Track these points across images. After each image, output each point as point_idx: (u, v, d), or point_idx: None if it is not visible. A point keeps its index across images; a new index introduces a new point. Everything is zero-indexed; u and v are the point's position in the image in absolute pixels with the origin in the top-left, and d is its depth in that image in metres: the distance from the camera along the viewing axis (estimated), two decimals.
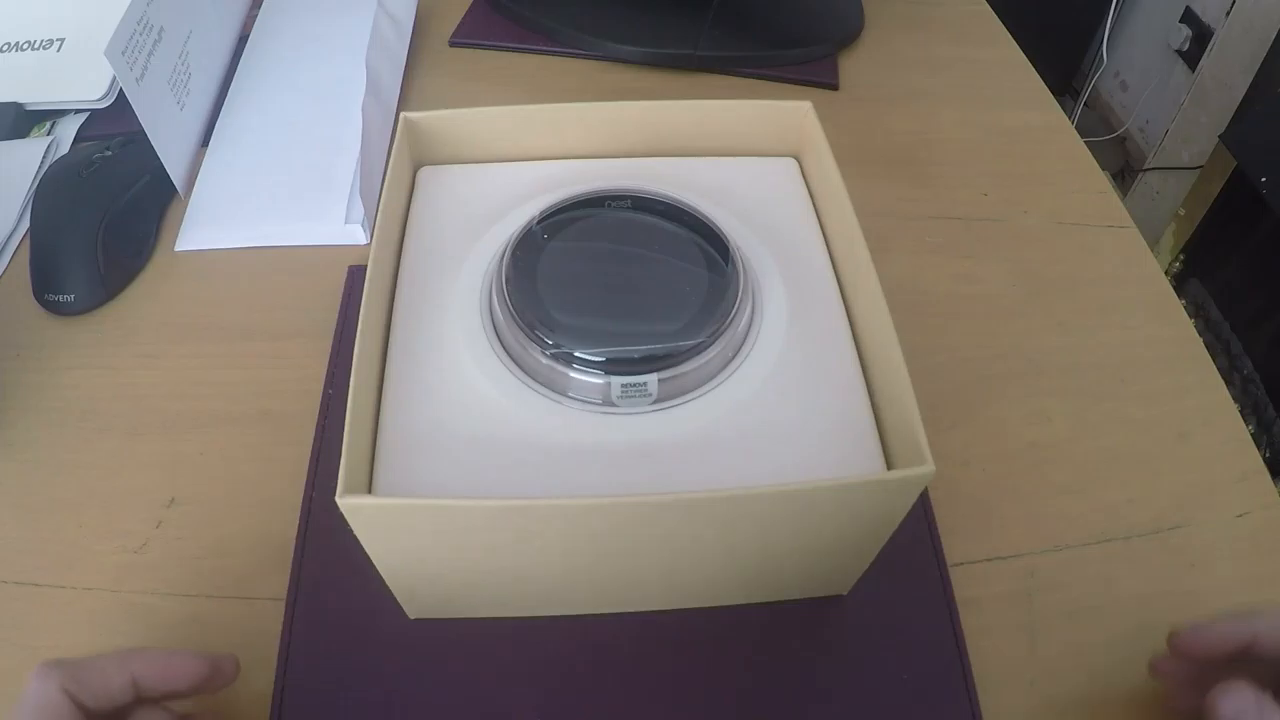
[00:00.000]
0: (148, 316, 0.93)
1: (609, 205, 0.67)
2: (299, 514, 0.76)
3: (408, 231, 0.72)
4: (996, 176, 1.06)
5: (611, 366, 0.59)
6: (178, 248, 0.99)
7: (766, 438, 0.61)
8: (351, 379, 0.56)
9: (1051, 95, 1.20)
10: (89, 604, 0.72)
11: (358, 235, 0.99)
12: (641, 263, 0.64)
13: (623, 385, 0.59)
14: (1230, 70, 2.78)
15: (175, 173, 1.01)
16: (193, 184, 1.04)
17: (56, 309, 0.92)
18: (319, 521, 0.75)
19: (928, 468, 0.53)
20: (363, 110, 1.03)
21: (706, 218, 0.66)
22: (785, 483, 0.52)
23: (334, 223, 0.99)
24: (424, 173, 0.76)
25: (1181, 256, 2.68)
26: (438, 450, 0.59)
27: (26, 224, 0.98)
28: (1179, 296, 0.92)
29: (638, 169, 0.72)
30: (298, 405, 0.84)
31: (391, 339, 0.65)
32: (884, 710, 0.67)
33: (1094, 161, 1.10)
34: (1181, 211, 2.80)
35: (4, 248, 0.98)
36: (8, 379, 0.87)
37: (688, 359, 0.60)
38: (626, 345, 0.59)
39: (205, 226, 1.00)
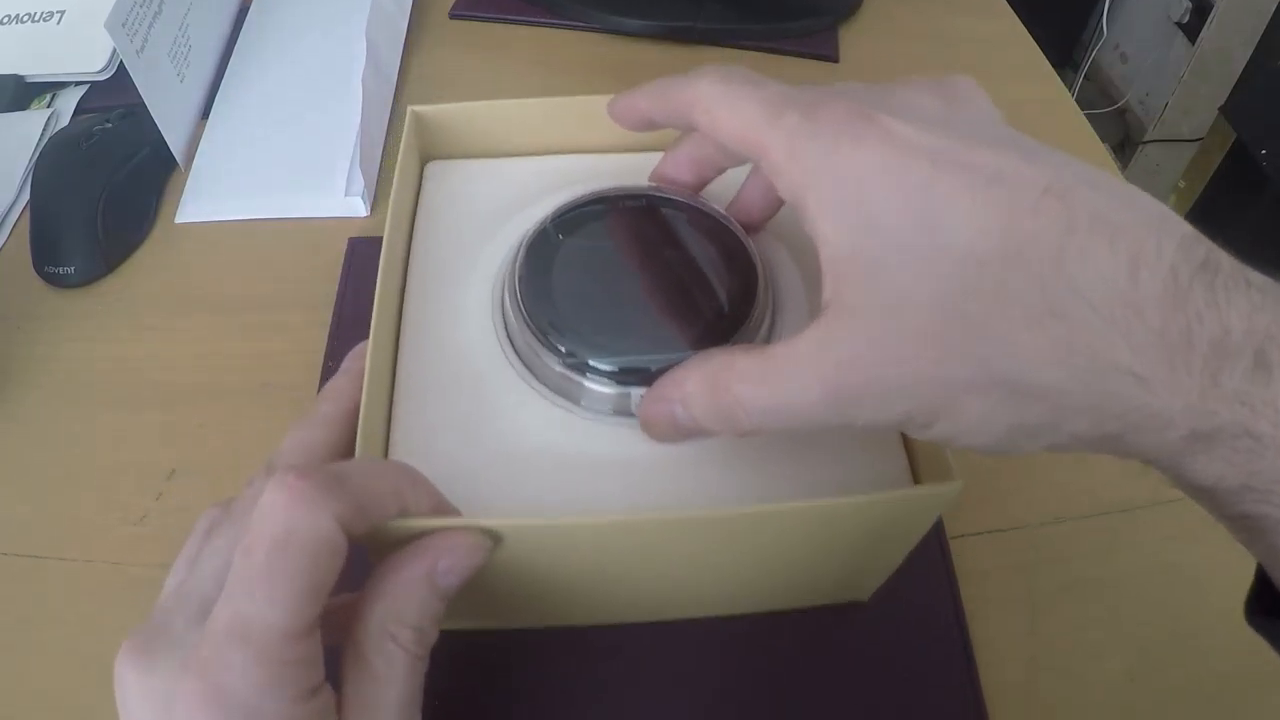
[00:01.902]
0: (148, 289, 0.93)
1: (623, 205, 0.65)
2: None
3: (416, 229, 0.70)
4: None
5: (629, 376, 0.57)
6: (178, 220, 0.99)
7: (787, 447, 0.59)
8: (365, 392, 0.55)
9: (1051, 68, 1.20)
10: (89, 576, 0.73)
11: (358, 207, 0.99)
12: (658, 265, 0.62)
13: (642, 396, 0.57)
14: (1230, 42, 2.78)
15: (175, 145, 1.01)
16: (193, 156, 1.04)
17: (56, 281, 0.92)
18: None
19: (955, 484, 0.52)
20: (363, 83, 1.03)
21: (724, 217, 0.64)
22: (808, 500, 0.51)
23: (334, 195, 0.99)
24: (432, 167, 0.74)
25: None
26: (450, 459, 0.58)
27: (26, 196, 0.98)
28: None
29: (649, 164, 0.68)
30: (298, 377, 0.84)
31: (402, 342, 0.64)
32: (879, 688, 0.68)
33: (1094, 134, 1.10)
34: (1181, 184, 2.81)
35: (4, 220, 0.98)
36: (7, 351, 0.87)
37: None
38: (644, 354, 0.57)
39: (205, 199, 1.00)
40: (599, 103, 0.68)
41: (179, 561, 0.52)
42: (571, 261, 0.61)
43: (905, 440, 0.60)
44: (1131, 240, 0.41)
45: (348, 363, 0.60)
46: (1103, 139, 1.07)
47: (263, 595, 0.42)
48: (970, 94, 0.51)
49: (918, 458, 0.59)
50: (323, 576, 0.44)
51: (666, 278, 0.61)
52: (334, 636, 0.47)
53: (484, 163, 0.74)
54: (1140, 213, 0.43)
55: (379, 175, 1.03)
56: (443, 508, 0.51)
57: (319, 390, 0.80)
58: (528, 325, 0.59)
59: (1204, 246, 0.42)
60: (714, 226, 0.63)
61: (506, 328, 0.62)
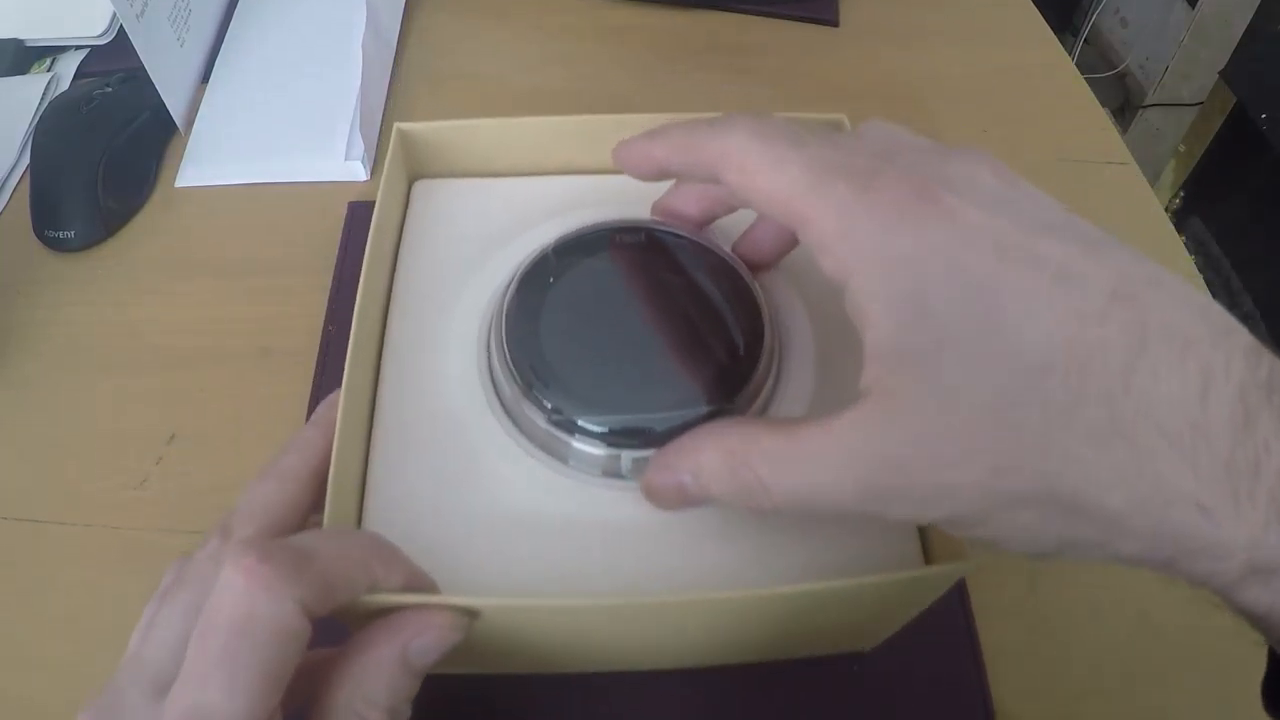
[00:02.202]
0: (148, 253, 0.93)
1: (621, 240, 0.61)
2: None
3: (401, 257, 0.67)
4: (996, 114, 1.05)
5: (621, 438, 0.54)
6: (178, 184, 0.99)
7: (787, 515, 0.54)
8: (336, 447, 0.52)
9: (1051, 32, 1.20)
10: (89, 540, 0.74)
11: (358, 171, 0.99)
12: (656, 311, 0.58)
13: (634, 460, 0.54)
14: (1230, 7, 2.77)
15: (175, 109, 1.02)
16: (193, 120, 1.04)
17: (57, 245, 0.92)
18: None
19: (970, 562, 0.49)
20: (363, 47, 1.03)
21: (729, 257, 0.60)
22: (809, 584, 0.47)
23: (334, 159, 0.99)
24: (419, 187, 0.72)
25: (1181, 193, 2.68)
26: (428, 518, 0.56)
27: (27, 161, 0.98)
28: (1179, 233, 0.91)
29: (660, 189, 0.64)
30: (298, 341, 0.84)
31: (380, 385, 0.61)
32: (883, 651, 0.67)
33: (1094, 98, 1.10)
34: (1181, 148, 2.81)
35: (4, 184, 0.98)
36: (7, 315, 0.87)
37: None
38: (638, 414, 0.54)
39: (205, 163, 1.01)
40: (595, 122, 0.67)
41: (142, 622, 0.49)
42: (562, 305, 0.58)
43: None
44: (1201, 356, 0.39)
45: (320, 411, 0.57)
46: (1103, 103, 1.07)
47: (219, 685, 0.40)
48: (1013, 173, 0.45)
49: (929, 528, 0.56)
50: (284, 665, 0.41)
51: (665, 326, 0.57)
52: (301, 697, 0.45)
53: (474, 182, 0.72)
54: (1206, 321, 0.40)
55: (379, 139, 1.03)
56: (416, 581, 0.49)
57: (318, 354, 0.80)
58: (513, 378, 0.57)
59: (1266, 361, 0.40)
60: (718, 267, 0.60)
61: (492, 377, 0.60)
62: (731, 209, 0.60)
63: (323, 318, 0.86)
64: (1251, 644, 0.53)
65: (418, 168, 0.71)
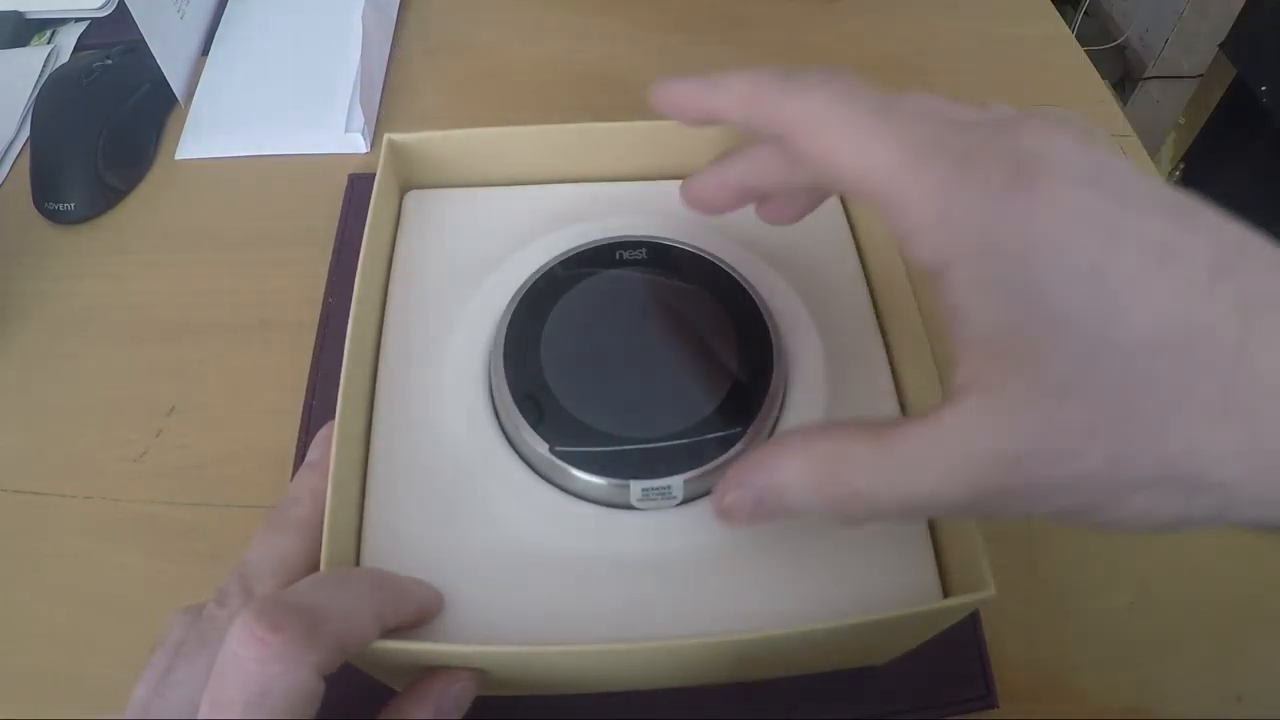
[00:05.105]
0: (148, 225, 0.93)
1: (621, 257, 0.60)
2: (298, 423, 0.77)
3: (395, 270, 0.67)
4: (996, 86, 1.05)
5: (631, 469, 0.53)
6: (178, 156, 0.99)
7: (796, 544, 0.54)
8: (331, 481, 0.51)
9: (1052, 4, 1.20)
10: (89, 512, 0.74)
11: (358, 144, 0.99)
12: (659, 332, 0.58)
13: (644, 489, 0.53)
14: None
15: (175, 81, 1.02)
16: (193, 93, 1.04)
17: (57, 217, 0.92)
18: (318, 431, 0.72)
19: (987, 592, 0.49)
20: (363, 19, 1.03)
21: (732, 269, 0.60)
22: (823, 621, 0.46)
23: (334, 131, 0.99)
24: (411, 198, 0.71)
25: (1181, 165, 2.68)
26: (428, 547, 0.54)
27: (27, 133, 0.98)
28: None
29: (655, 197, 0.65)
30: (298, 314, 0.84)
31: (376, 412, 0.60)
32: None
33: (1094, 70, 1.10)
34: (1182, 120, 2.80)
35: (4, 156, 0.98)
36: (8, 287, 0.87)
37: (718, 453, 0.53)
38: (647, 442, 0.53)
39: (205, 135, 1.00)
40: (589, 131, 0.66)
41: (148, 671, 0.48)
42: (563, 327, 0.57)
43: (933, 534, 0.55)
44: None
45: (319, 451, 0.56)
46: (1103, 76, 1.07)
47: None
48: (1085, 130, 0.42)
49: (946, 553, 0.55)
50: None
51: (670, 347, 0.57)
52: None
53: (468, 193, 0.71)
54: None
55: (379, 112, 1.03)
56: (425, 609, 0.50)
57: (318, 326, 0.80)
58: (520, 412, 0.55)
59: None
60: (719, 277, 0.59)
61: (496, 409, 0.58)
62: (772, 189, 0.54)
63: (323, 290, 0.86)
64: (1247, 620, 0.53)
65: (410, 178, 0.70)
